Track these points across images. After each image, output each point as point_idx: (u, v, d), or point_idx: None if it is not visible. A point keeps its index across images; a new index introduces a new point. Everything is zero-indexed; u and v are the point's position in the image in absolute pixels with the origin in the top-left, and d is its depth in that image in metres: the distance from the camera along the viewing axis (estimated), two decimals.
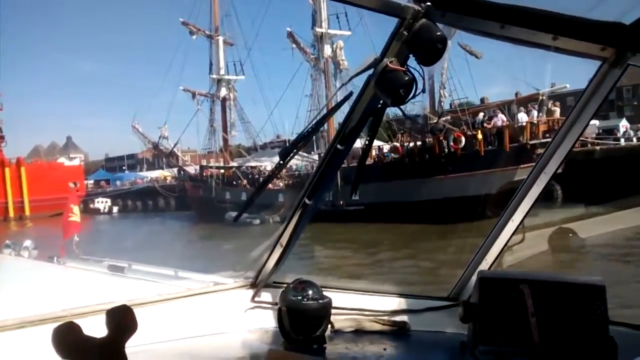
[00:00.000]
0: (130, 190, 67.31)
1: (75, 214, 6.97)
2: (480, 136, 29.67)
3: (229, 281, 3.44)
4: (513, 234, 2.94)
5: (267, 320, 3.20)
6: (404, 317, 3.19)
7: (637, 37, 2.06)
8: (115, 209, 65.76)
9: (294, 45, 39.01)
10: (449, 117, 34.22)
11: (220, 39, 47.44)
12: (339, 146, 2.59)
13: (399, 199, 30.80)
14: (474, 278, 2.81)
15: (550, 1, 1.97)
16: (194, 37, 45.55)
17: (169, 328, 2.95)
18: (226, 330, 3.14)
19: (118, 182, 77.24)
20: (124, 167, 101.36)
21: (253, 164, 42.32)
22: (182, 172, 50.82)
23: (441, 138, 31.29)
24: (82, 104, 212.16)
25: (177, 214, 52.68)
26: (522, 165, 23.93)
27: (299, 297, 2.77)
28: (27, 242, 5.39)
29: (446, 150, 30.91)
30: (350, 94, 2.51)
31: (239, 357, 3.05)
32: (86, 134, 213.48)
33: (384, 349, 2.89)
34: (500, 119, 30.26)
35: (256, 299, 3.30)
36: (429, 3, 1.90)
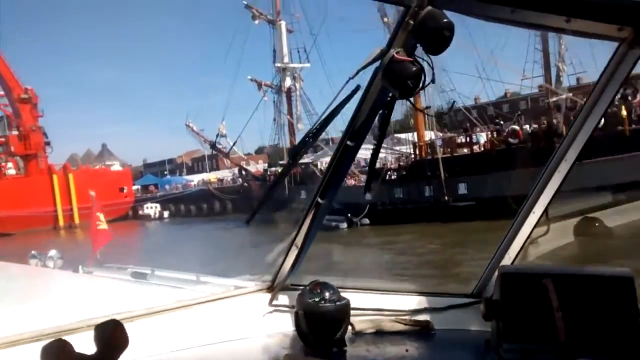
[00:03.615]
0: (182, 194, 64.04)
1: (102, 221, 6.95)
2: (624, 112, 24.96)
3: (249, 285, 3.38)
4: (535, 226, 2.86)
5: (286, 324, 3.13)
6: (426, 316, 3.13)
7: None
8: (166, 214, 62.83)
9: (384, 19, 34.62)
10: (570, 94, 29.60)
11: (283, 23, 43.70)
12: (349, 143, 2.51)
13: (522, 192, 26.24)
14: (496, 274, 2.76)
15: None
16: (257, 21, 41.95)
17: (187, 335, 2.92)
18: (245, 335, 3.10)
19: (167, 187, 74.14)
20: (165, 172, 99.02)
21: (328, 159, 38.22)
22: (243, 172, 47.17)
23: (572, 117, 26.69)
24: (110, 111, 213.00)
25: (238, 217, 49.35)
26: None
27: (316, 300, 2.69)
28: (52, 252, 5.29)
29: None
30: (358, 88, 2.28)
31: None
32: (116, 140, 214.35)
33: (406, 350, 2.85)
34: None
35: (274, 302, 3.23)
36: None
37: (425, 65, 1.92)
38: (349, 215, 33.21)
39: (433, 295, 3.23)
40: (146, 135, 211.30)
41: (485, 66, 37.20)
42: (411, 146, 35.75)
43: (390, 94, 2.18)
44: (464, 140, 33.27)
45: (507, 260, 2.91)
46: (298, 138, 46.81)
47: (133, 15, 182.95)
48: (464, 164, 30.26)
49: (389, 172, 35.04)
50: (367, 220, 32.93)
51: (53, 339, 1.79)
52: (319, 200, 2.82)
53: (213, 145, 47.20)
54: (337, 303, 2.71)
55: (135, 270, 4.46)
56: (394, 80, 1.95)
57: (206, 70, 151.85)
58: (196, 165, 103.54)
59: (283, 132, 45.38)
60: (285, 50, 44.04)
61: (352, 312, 2.86)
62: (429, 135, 35.22)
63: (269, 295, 3.25)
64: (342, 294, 2.81)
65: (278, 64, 44.20)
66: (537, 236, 2.98)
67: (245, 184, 46.65)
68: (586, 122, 2.53)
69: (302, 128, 45.40)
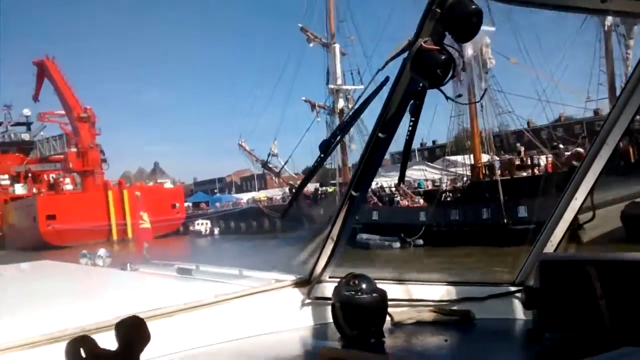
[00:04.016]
0: (233, 211, 64.92)
1: (145, 220, 7.58)
2: None
3: (288, 278, 3.40)
4: (578, 212, 2.81)
5: (323, 316, 3.14)
6: (466, 306, 3.06)
7: None
8: (216, 231, 63.75)
9: None
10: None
11: (337, 46, 44.07)
12: (380, 134, 2.51)
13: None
14: (538, 262, 2.74)
15: None
16: (311, 44, 42.56)
17: (226, 328, 2.96)
18: (283, 328, 3.13)
19: (217, 204, 75.36)
20: (215, 190, 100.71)
21: (383, 179, 38.06)
22: (294, 191, 47.48)
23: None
24: (161, 131, 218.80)
25: (287, 236, 49.57)
26: None
27: (352, 292, 2.70)
28: (101, 251, 5.38)
29: None
30: (387, 79, 2.33)
31: (295, 355, 2.95)
32: (167, 159, 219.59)
33: (445, 340, 2.82)
34: None
35: (311, 295, 3.25)
36: None
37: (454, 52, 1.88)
38: (402, 235, 32.99)
39: (473, 285, 3.18)
40: (196, 155, 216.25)
41: (545, 88, 36.56)
42: (466, 168, 35.36)
43: (421, 84, 2.15)
44: (523, 163, 32.68)
45: (549, 247, 2.86)
46: (350, 159, 47.11)
47: (187, 37, 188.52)
48: (525, 186, 29.66)
49: (444, 194, 34.71)
50: (420, 241, 32.59)
51: (76, 336, 1.79)
52: (353, 193, 2.84)
53: (264, 164, 47.62)
54: (374, 294, 2.71)
55: (181, 267, 4.51)
56: (423, 69, 1.92)
57: (258, 91, 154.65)
58: (245, 184, 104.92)
59: (335, 152, 45.47)
60: (338, 72, 44.29)
61: (390, 303, 2.84)
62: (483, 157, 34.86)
63: (306, 288, 3.28)
64: (379, 286, 2.80)
65: (331, 86, 44.23)
66: (581, 222, 2.91)
67: (296, 203, 46.87)
68: (627, 106, 2.45)
69: (355, 148, 45.50)
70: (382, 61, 2.27)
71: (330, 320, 2.94)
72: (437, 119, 32.33)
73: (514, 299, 2.99)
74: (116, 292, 4.09)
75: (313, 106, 44.55)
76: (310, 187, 48.73)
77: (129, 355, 1.79)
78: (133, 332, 1.85)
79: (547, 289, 2.53)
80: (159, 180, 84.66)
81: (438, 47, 1.87)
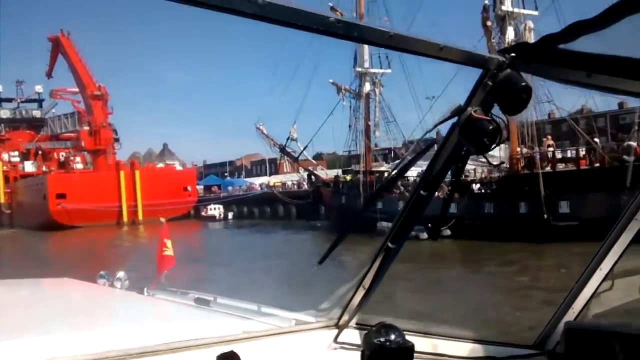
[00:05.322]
0: (247, 196, 63.42)
1: (169, 247, 6.64)
2: None
3: (312, 320, 3.48)
4: (602, 282, 2.91)
5: None
6: None
7: None
8: (230, 215, 62.38)
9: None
10: None
11: None
12: (422, 192, 2.61)
13: None
14: (560, 327, 2.94)
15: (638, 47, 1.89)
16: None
17: None
18: None
19: (229, 188, 73.87)
20: (225, 174, 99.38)
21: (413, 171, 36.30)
22: (312, 178, 45.83)
23: None
24: (172, 112, 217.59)
25: (302, 224, 48.11)
26: None
27: (382, 341, 2.68)
28: (120, 274, 5.36)
29: None
30: (434, 141, 2.61)
31: None
32: (177, 141, 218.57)
33: None
34: None
35: (339, 340, 3.31)
36: (513, 54, 1.95)
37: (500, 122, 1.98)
38: (429, 225, 31.26)
39: (495, 345, 3.27)
40: (205, 137, 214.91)
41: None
42: (501, 159, 33.50)
43: (465, 149, 2.26)
44: (566, 155, 30.90)
45: (571, 314, 2.99)
46: (378, 144, 45.33)
47: (201, 17, 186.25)
48: (568, 181, 27.87)
49: (477, 185, 32.94)
50: (448, 232, 30.89)
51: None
52: (389, 244, 2.89)
53: (282, 149, 46.11)
54: (403, 346, 2.68)
55: (198, 297, 4.56)
56: (471, 136, 2.01)
57: (276, 73, 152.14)
58: (255, 168, 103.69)
59: (359, 138, 43.64)
60: (366, 55, 42.40)
61: (415, 355, 2.83)
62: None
63: (334, 333, 3.33)
64: (407, 337, 2.77)
65: (358, 69, 42.43)
66: (601, 291, 2.96)
67: (316, 190, 45.23)
68: None
69: (380, 135, 43.73)
70: None
71: None
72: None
73: None
74: (138, 317, 4.15)
75: (339, 89, 42.76)
76: (332, 174, 47.18)
77: None
78: None
79: (573, 357, 2.71)
80: (167, 162, 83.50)
81: (487, 118, 1.98)
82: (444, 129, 2.36)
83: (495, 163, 34.58)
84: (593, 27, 1.78)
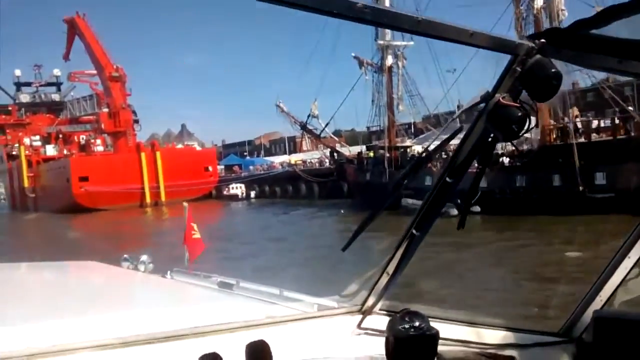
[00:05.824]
0: (268, 174, 62.95)
1: (196, 231, 6.83)
2: None
3: (334, 305, 3.49)
4: (630, 271, 2.89)
5: (373, 348, 3.13)
6: (511, 352, 3.15)
7: None
8: (252, 194, 62.08)
9: None
10: None
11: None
12: (447, 179, 2.58)
13: None
14: (588, 315, 2.92)
15: None
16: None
17: (278, 351, 2.86)
18: (333, 355, 3.17)
19: (251, 167, 73.47)
20: (245, 153, 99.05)
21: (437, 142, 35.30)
22: (335, 155, 45.01)
23: None
24: (187, 95, 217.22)
25: (325, 203, 47.47)
26: None
27: (407, 327, 2.67)
28: (144, 257, 5.52)
29: None
30: (461, 128, 2.47)
31: None
32: (194, 122, 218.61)
33: None
34: None
35: (362, 325, 3.33)
36: (543, 40, 1.90)
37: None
38: (458, 201, 30.42)
39: (520, 332, 3.28)
40: (224, 117, 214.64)
41: None
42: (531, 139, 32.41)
43: (492, 136, 2.24)
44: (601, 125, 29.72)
45: (598, 302, 2.98)
46: (398, 119, 44.28)
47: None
48: (604, 151, 26.75)
49: (507, 159, 31.90)
50: (478, 208, 29.85)
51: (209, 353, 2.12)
52: (414, 231, 2.89)
53: (304, 126, 45.36)
54: (427, 333, 2.63)
55: (222, 280, 4.50)
56: (499, 123, 2.00)
57: (294, 51, 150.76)
58: (273, 147, 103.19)
59: (381, 113, 42.64)
60: None
61: (440, 342, 2.76)
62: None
63: (357, 318, 3.33)
64: (432, 324, 2.70)
65: (380, 41, 41.19)
66: (629, 279, 2.93)
67: (338, 168, 44.47)
68: None
69: (403, 109, 42.67)
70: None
71: (381, 352, 2.84)
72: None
73: (559, 349, 3.08)
74: (162, 301, 4.22)
75: (361, 63, 41.73)
76: (355, 150, 46.34)
77: None
78: (262, 355, 2.29)
79: (601, 345, 2.68)
80: (186, 143, 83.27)
81: (516, 104, 1.95)
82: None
83: (527, 135, 33.62)
84: (626, 12, 1.74)
